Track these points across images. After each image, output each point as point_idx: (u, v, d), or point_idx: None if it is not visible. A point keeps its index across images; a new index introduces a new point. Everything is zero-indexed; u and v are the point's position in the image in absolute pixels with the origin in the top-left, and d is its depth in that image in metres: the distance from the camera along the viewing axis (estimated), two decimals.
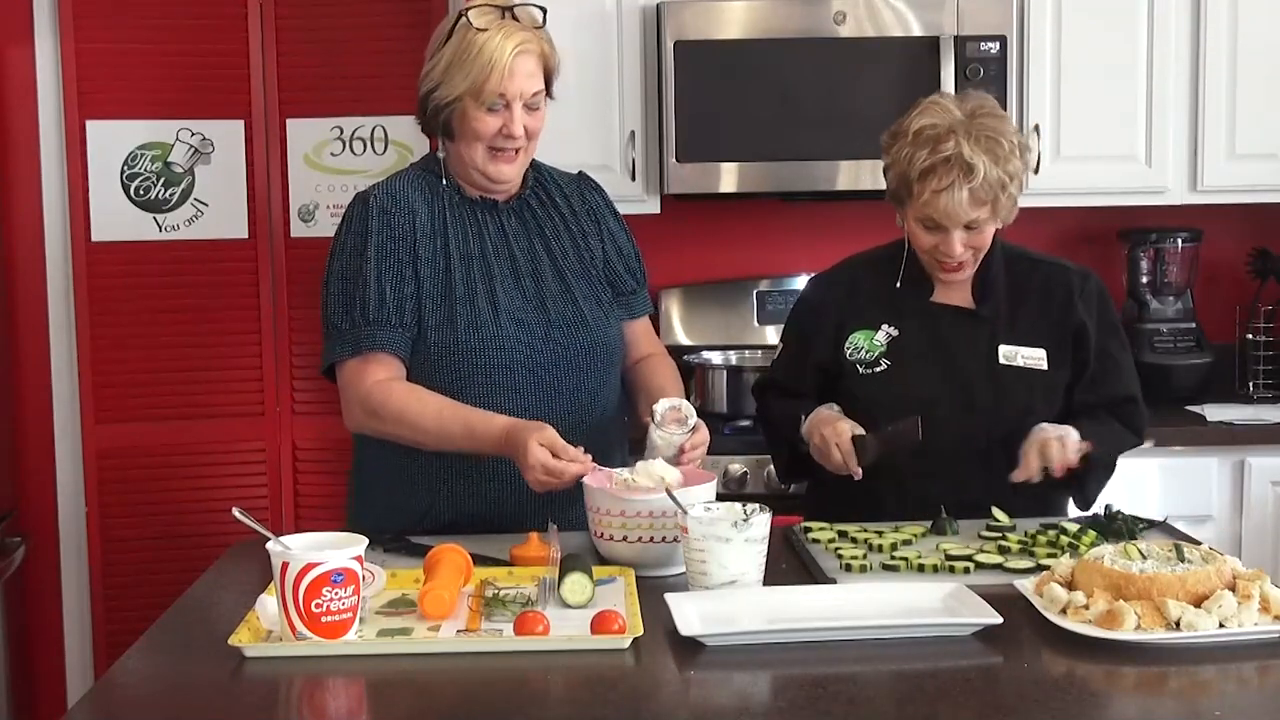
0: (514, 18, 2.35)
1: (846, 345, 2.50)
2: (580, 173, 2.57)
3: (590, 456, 2.18)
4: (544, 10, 2.39)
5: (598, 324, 2.43)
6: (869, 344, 2.49)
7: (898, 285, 2.49)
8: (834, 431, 2.36)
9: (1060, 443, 2.32)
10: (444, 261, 2.37)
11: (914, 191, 2.36)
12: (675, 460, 2.24)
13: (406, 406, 2.32)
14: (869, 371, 2.48)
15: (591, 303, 2.44)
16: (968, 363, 2.46)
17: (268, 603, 1.83)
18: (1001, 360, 2.45)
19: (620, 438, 2.51)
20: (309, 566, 1.75)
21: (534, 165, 2.50)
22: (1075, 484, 2.44)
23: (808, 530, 2.29)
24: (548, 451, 2.16)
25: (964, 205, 2.33)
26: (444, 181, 2.43)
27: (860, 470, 2.34)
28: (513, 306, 2.38)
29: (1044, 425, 2.36)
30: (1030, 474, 2.32)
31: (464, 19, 2.33)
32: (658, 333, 3.77)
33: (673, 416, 2.27)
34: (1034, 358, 2.45)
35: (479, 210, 2.43)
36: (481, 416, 2.28)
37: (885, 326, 2.49)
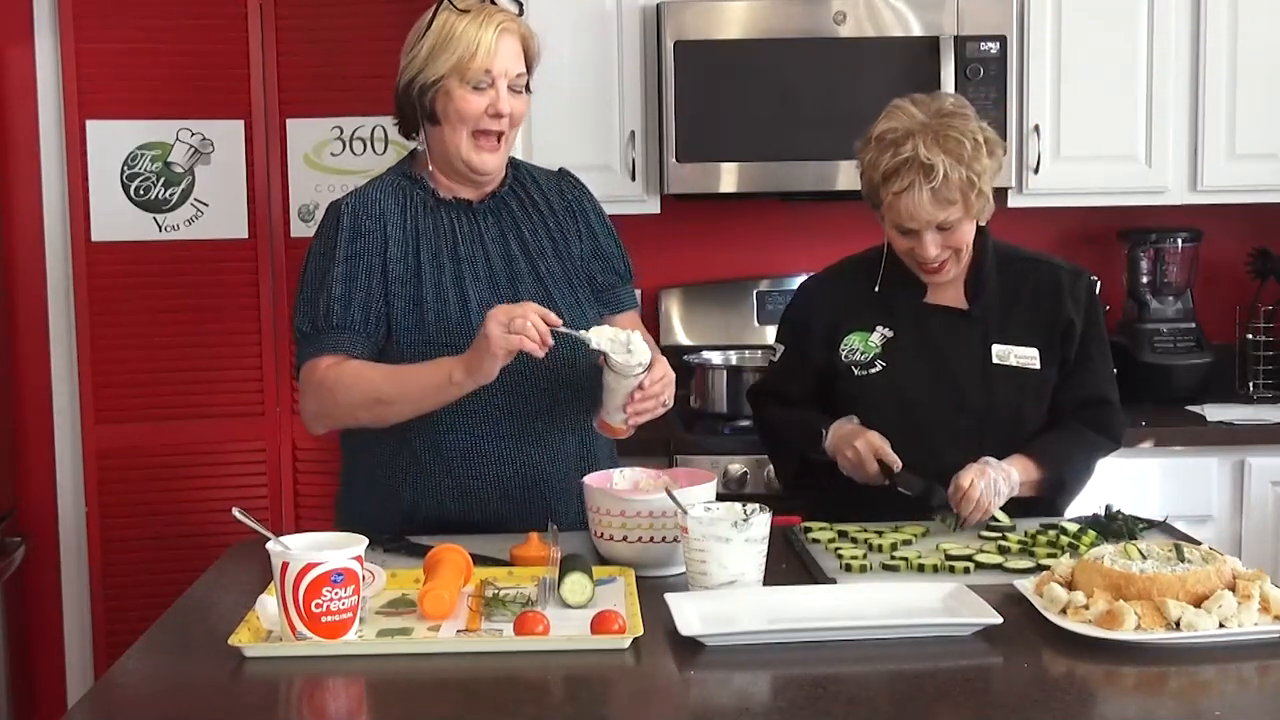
0: (494, 3, 2.37)
1: (841, 347, 2.50)
2: (560, 169, 2.56)
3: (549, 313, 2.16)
4: (520, 3, 2.42)
5: (575, 322, 2.42)
6: (864, 345, 2.49)
7: (875, 289, 2.49)
8: (866, 444, 2.36)
9: (981, 500, 2.27)
10: (415, 264, 2.37)
11: (880, 195, 2.38)
12: (628, 403, 2.22)
13: (361, 371, 2.31)
14: (864, 373, 2.48)
15: (569, 301, 2.42)
16: (961, 363, 2.46)
17: (268, 603, 1.83)
18: (995, 360, 2.45)
19: (606, 442, 2.49)
20: (309, 566, 1.75)
21: (513, 163, 2.50)
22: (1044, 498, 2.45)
23: (808, 530, 2.30)
24: (501, 313, 2.15)
25: (926, 206, 2.33)
26: (418, 184, 2.42)
27: (900, 462, 2.34)
28: (485, 306, 2.35)
29: (976, 469, 2.31)
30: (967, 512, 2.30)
31: (445, 3, 2.34)
32: (657, 333, 3.80)
33: (624, 365, 2.21)
34: (1027, 357, 2.46)
35: (452, 211, 2.42)
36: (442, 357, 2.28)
37: (880, 328, 2.49)
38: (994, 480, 2.29)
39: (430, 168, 2.43)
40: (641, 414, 2.26)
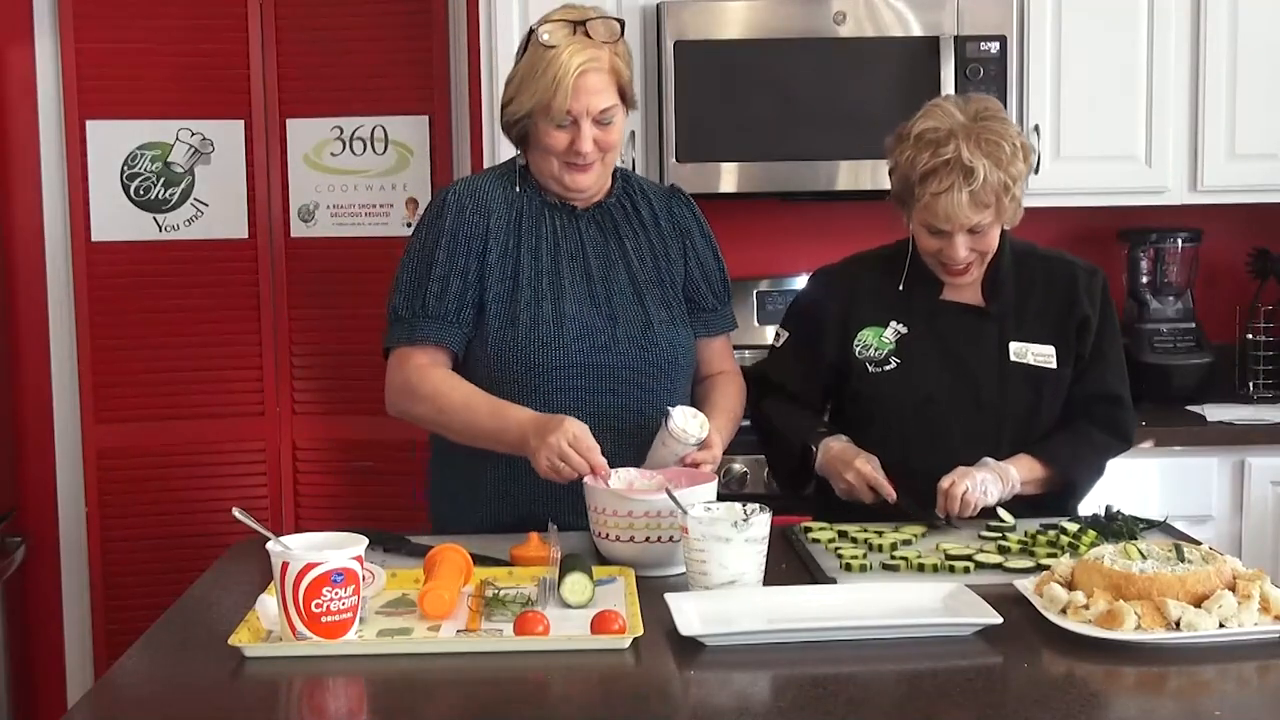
0: (586, 33, 2.33)
1: (855, 343, 2.49)
2: (672, 186, 2.59)
3: (605, 463, 2.18)
4: (621, 23, 2.37)
5: (666, 337, 2.42)
6: (878, 341, 2.48)
7: (899, 287, 2.48)
8: (858, 476, 2.35)
9: (966, 498, 2.28)
10: (513, 263, 2.39)
11: (915, 194, 2.36)
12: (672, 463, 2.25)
13: (439, 388, 2.36)
14: (878, 370, 2.47)
15: (663, 315, 2.43)
16: (977, 360, 2.45)
17: (268, 603, 1.83)
18: (1012, 358, 2.45)
19: None
20: (309, 566, 1.75)
21: (624, 175, 2.51)
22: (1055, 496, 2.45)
23: (808, 530, 2.30)
24: (569, 438, 2.17)
25: (964, 208, 2.32)
26: (522, 185, 2.44)
27: (895, 494, 2.34)
28: (580, 312, 2.38)
29: (959, 471, 2.31)
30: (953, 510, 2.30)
31: (534, 35, 2.34)
32: None
33: (680, 429, 2.25)
34: (1044, 355, 2.45)
35: (557, 215, 2.43)
36: (511, 405, 2.31)
37: (894, 324, 2.49)
38: (981, 480, 2.29)
39: (531, 179, 2.45)
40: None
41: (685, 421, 2.24)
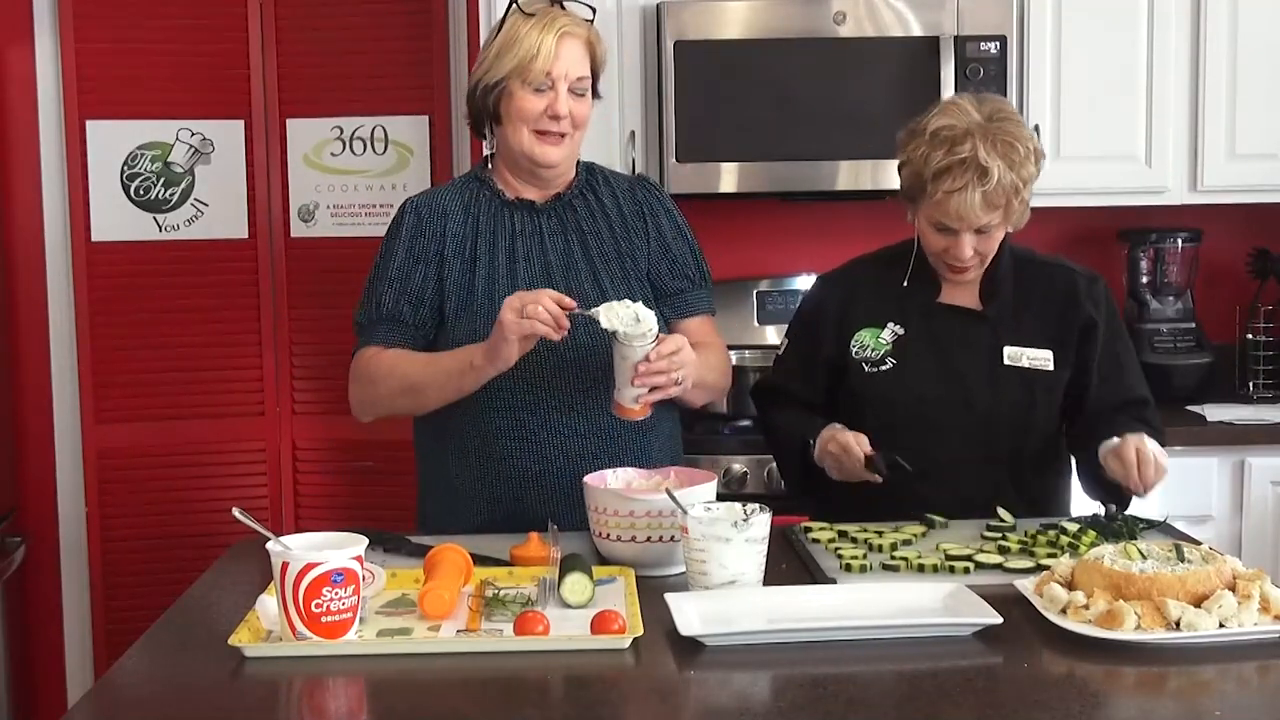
0: (562, 7, 2.41)
1: (852, 343, 2.50)
2: (639, 175, 2.61)
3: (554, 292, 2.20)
4: (593, 9, 2.45)
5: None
6: (874, 342, 2.49)
7: (904, 284, 2.48)
8: (835, 444, 2.35)
9: (1153, 465, 2.27)
10: (470, 260, 2.42)
11: (927, 191, 2.35)
12: (635, 377, 2.22)
13: (396, 360, 2.41)
14: (874, 370, 2.48)
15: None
16: (972, 362, 2.46)
17: (268, 603, 1.83)
18: (1006, 361, 2.45)
19: (666, 436, 2.50)
20: (309, 566, 1.75)
21: (589, 167, 2.53)
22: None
23: (808, 530, 2.30)
24: (515, 300, 2.20)
25: (976, 208, 2.32)
26: (481, 188, 2.47)
27: (880, 477, 2.32)
28: None
29: (1127, 440, 2.29)
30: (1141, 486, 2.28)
31: (514, 6, 2.40)
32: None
33: (624, 334, 2.20)
34: (1039, 358, 2.45)
35: (514, 212, 2.46)
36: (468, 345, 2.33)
37: (891, 325, 2.49)
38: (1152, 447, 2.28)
39: (500, 170, 2.48)
40: (652, 390, 2.25)
41: (620, 311, 2.20)
